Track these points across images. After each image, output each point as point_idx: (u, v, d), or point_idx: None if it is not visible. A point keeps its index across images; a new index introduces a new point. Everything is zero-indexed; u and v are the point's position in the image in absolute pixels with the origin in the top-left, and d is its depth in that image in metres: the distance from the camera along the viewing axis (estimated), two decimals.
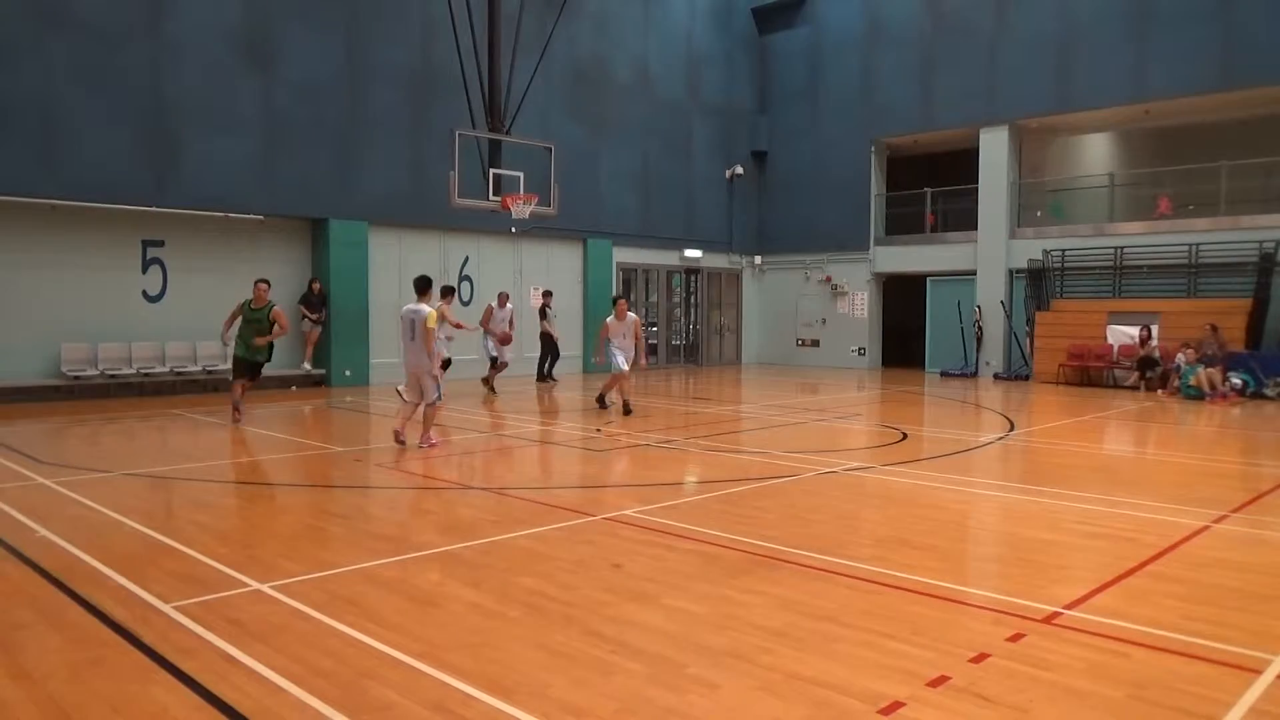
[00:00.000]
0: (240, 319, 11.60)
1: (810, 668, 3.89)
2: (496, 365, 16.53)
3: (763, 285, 26.27)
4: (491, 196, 15.72)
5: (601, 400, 13.99)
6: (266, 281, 11.95)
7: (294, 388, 16.82)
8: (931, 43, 22.31)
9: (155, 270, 15.78)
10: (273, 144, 16.41)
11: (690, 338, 25.32)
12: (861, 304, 24.07)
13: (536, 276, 20.89)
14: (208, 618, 4.43)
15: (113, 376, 14.92)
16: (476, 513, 6.91)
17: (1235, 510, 7.09)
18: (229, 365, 12.74)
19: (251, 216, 16.35)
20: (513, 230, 18.82)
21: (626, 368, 13.37)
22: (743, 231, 25.62)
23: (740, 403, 15.97)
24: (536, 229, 19.47)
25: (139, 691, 3.62)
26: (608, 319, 13.86)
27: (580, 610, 4.63)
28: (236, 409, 11.94)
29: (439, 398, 10.04)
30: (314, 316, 17.04)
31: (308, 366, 17.03)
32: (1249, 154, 19.25)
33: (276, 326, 11.53)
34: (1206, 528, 6.50)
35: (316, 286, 17.10)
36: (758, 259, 26.05)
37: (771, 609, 4.65)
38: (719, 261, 25.17)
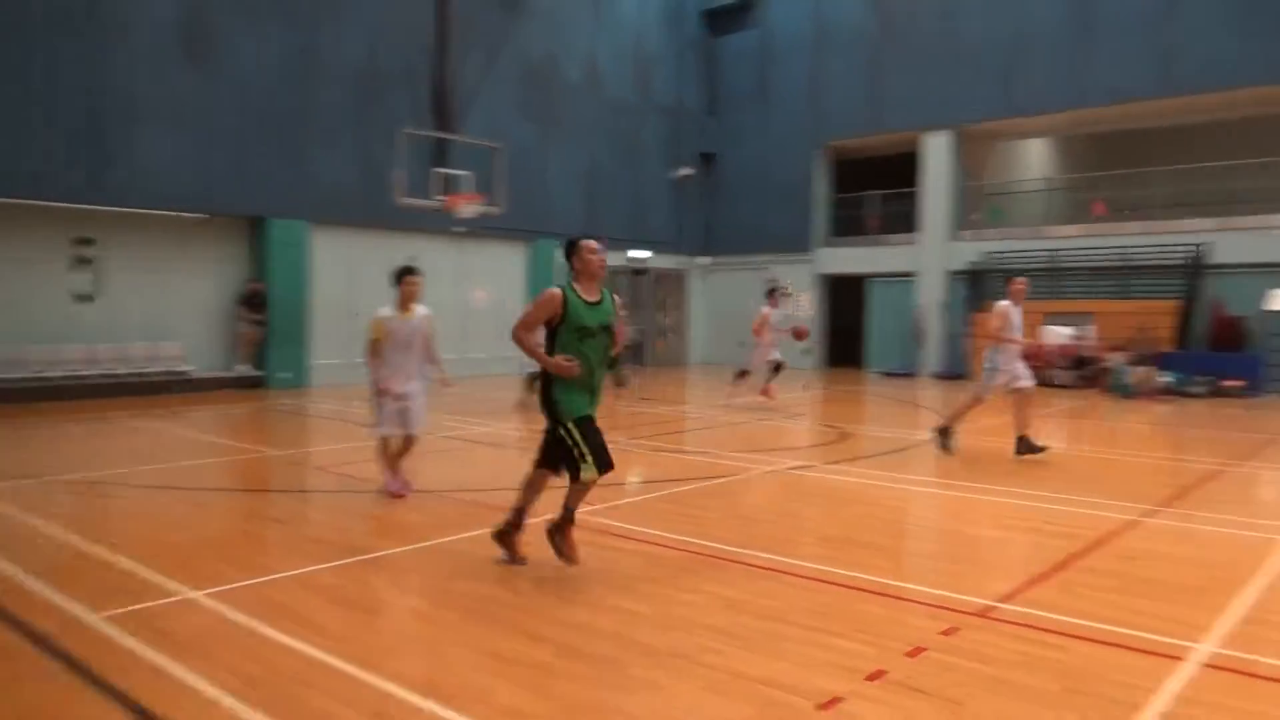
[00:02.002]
0: (568, 324, 5.19)
1: (755, 666, 3.92)
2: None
3: (710, 286, 26.41)
4: (438, 196, 15.56)
5: (946, 435, 9.78)
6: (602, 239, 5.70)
7: (230, 390, 16.45)
8: (878, 47, 22.62)
9: (86, 270, 15.31)
10: (212, 140, 16.00)
11: (637, 338, 25.33)
12: (807, 305, 24.34)
13: (481, 277, 20.74)
14: (138, 628, 4.30)
15: (41, 379, 14.43)
16: (417, 515, 6.82)
17: (1164, 504, 7.31)
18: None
19: (189, 215, 15.96)
20: (455, 230, 18.66)
21: (1032, 382, 9.66)
22: (691, 232, 25.73)
23: (685, 403, 16.03)
24: (483, 229, 19.31)
25: (65, 708, 3.51)
26: (1002, 303, 9.57)
27: (522, 614, 4.60)
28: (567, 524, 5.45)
29: (379, 428, 7.40)
30: (256, 317, 16.68)
31: (245, 368, 16.67)
32: (1181, 160, 19.90)
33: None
34: (1137, 522, 6.68)
35: (256, 287, 16.74)
36: (705, 260, 26.18)
37: (717, 609, 4.67)
38: (667, 262, 25.23)
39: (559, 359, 5.13)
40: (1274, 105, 17.90)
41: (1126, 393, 16.30)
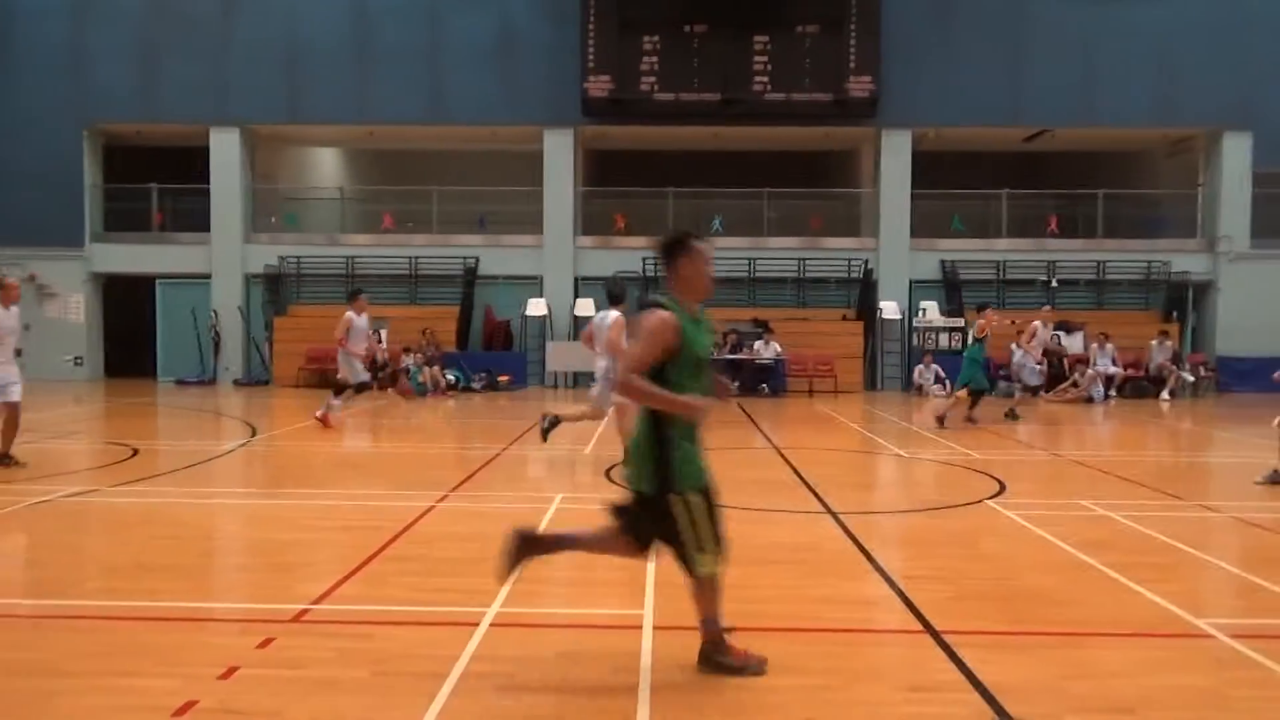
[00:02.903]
0: (684, 360, 3.73)
1: None
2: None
3: None
4: None
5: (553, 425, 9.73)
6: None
7: None
8: (153, 29, 20.70)
9: None
10: None
11: None
12: (77, 307, 21.26)
13: None
14: None
15: None
16: None
17: (454, 489, 8.09)
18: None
19: None
20: None
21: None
22: None
23: None
24: None
25: None
26: (598, 315, 9.28)
27: None
28: None
29: None
30: None
31: None
32: (456, 181, 22.33)
33: None
34: (433, 508, 7.28)
35: None
36: None
37: None
38: None
39: (688, 398, 3.66)
40: (525, 142, 21.24)
41: (422, 391, 17.75)
